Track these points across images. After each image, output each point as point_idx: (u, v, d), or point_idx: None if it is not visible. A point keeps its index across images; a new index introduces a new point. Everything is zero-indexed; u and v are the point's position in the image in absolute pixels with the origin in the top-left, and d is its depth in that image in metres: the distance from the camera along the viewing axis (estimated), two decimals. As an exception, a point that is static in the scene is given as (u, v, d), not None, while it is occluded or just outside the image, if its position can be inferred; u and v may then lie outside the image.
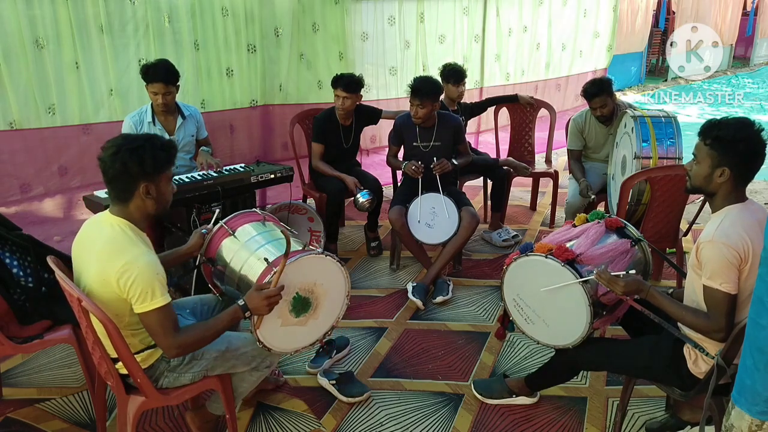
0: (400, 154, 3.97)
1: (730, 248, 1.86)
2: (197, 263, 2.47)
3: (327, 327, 2.37)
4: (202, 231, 2.41)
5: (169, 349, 1.94)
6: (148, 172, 1.92)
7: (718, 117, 2.06)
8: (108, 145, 1.91)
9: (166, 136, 3.54)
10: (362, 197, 3.80)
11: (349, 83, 3.92)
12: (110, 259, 1.88)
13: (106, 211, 2.00)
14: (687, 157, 2.12)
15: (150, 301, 1.87)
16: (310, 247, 2.39)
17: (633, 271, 2.11)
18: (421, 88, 3.61)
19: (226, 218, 2.50)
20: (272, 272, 2.11)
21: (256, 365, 2.26)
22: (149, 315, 1.89)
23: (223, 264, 2.38)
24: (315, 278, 2.25)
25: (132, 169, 1.89)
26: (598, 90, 3.93)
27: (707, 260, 1.91)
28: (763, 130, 1.97)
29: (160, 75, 3.37)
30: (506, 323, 2.54)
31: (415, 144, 3.79)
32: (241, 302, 2.06)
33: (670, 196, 3.24)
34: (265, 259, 2.20)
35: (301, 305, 2.24)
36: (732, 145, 1.94)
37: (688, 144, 2.15)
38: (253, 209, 2.68)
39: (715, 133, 1.97)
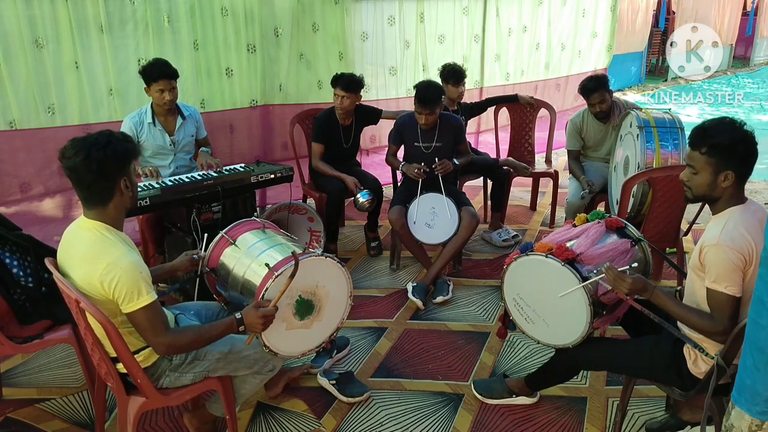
0: (401, 154, 3.97)
1: (735, 251, 1.86)
2: (199, 273, 2.48)
3: (332, 329, 2.38)
4: (194, 256, 2.39)
5: (158, 346, 1.95)
6: (122, 166, 1.91)
7: (698, 123, 2.04)
8: (71, 153, 1.85)
9: (167, 137, 3.55)
10: (362, 197, 3.80)
11: (348, 83, 3.92)
12: (92, 262, 1.88)
13: (81, 217, 1.98)
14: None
15: (137, 300, 1.87)
16: (310, 248, 2.39)
17: (635, 264, 2.11)
18: (429, 98, 3.61)
19: (227, 228, 2.51)
20: (273, 276, 2.12)
21: (259, 369, 2.26)
22: (137, 314, 1.89)
23: (226, 272, 2.40)
24: (317, 280, 2.25)
25: (110, 167, 1.88)
26: (596, 85, 3.94)
27: (712, 263, 1.90)
28: (746, 124, 1.97)
29: (162, 71, 3.38)
30: (507, 322, 2.54)
31: (416, 144, 3.79)
32: (238, 315, 2.07)
33: (670, 196, 3.24)
34: (266, 264, 2.21)
35: (305, 308, 2.25)
36: (731, 148, 1.93)
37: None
38: (252, 218, 2.69)
39: (709, 141, 1.94)
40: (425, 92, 3.63)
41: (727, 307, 1.90)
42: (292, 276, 2.08)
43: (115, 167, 1.89)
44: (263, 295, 2.12)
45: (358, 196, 3.81)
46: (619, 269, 2.08)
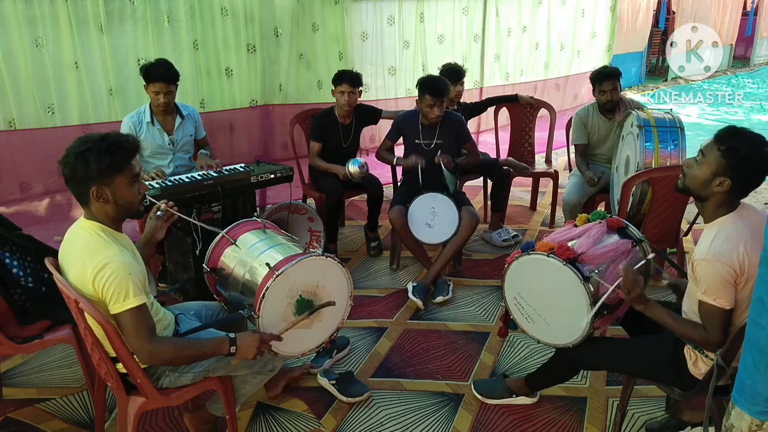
0: (401, 152, 3.97)
1: (725, 265, 1.85)
2: (203, 272, 2.49)
3: (332, 329, 2.38)
4: (158, 213, 2.30)
5: (141, 352, 1.89)
6: (93, 176, 1.88)
7: (739, 125, 2.00)
8: (66, 150, 1.90)
9: (165, 137, 3.55)
10: (352, 166, 3.81)
11: (354, 78, 3.96)
12: (85, 262, 1.87)
13: (82, 217, 1.99)
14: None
15: (123, 302, 1.85)
16: (310, 248, 2.40)
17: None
18: (441, 87, 3.64)
19: (227, 228, 2.52)
20: (274, 276, 2.12)
21: (259, 369, 2.26)
22: (123, 316, 1.86)
23: (227, 272, 2.39)
24: (317, 280, 2.25)
25: (79, 173, 1.87)
26: (611, 72, 3.94)
27: (702, 277, 1.90)
28: None
29: (161, 74, 3.38)
30: (508, 321, 2.54)
31: (417, 141, 3.79)
32: (231, 335, 2.02)
33: (671, 196, 3.24)
34: (267, 264, 2.21)
35: (305, 308, 2.25)
36: (745, 160, 1.90)
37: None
38: (253, 218, 2.69)
39: (734, 142, 1.91)
40: (437, 83, 3.65)
41: (717, 319, 1.90)
42: (310, 313, 2.18)
43: (84, 175, 1.87)
44: (264, 294, 2.12)
45: (349, 166, 3.82)
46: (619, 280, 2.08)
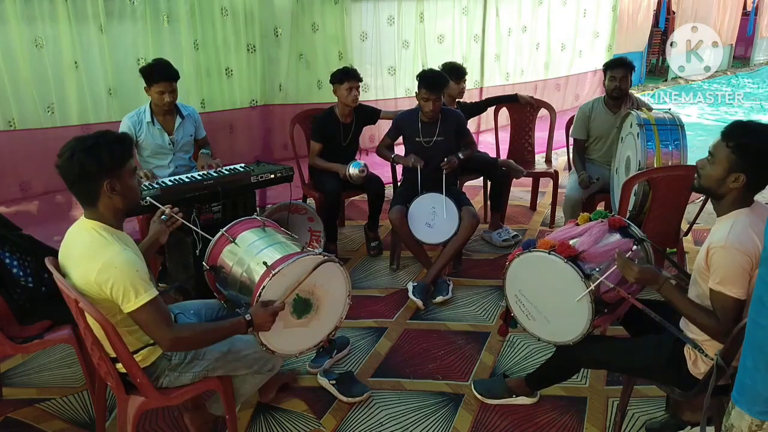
0: (402, 151, 3.97)
1: (744, 254, 1.84)
2: (203, 270, 2.49)
3: (330, 327, 2.38)
4: (162, 218, 2.34)
5: (163, 341, 1.93)
6: (107, 169, 1.89)
7: (744, 119, 1.98)
8: (62, 152, 1.88)
9: (166, 137, 3.55)
10: (353, 168, 3.83)
11: (356, 72, 4.01)
12: (87, 263, 1.87)
13: (82, 217, 1.99)
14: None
15: (135, 299, 1.86)
16: (309, 248, 2.40)
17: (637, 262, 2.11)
18: (437, 81, 3.63)
19: (227, 226, 2.52)
20: (270, 275, 2.12)
21: (258, 368, 2.26)
22: (139, 312, 1.87)
23: (226, 270, 2.39)
24: (314, 279, 2.25)
25: (91, 168, 1.86)
26: (625, 61, 3.98)
27: (719, 266, 1.88)
28: None
29: (164, 74, 3.39)
30: (509, 320, 2.54)
31: (417, 139, 3.78)
32: (247, 317, 2.05)
33: (671, 196, 3.23)
34: (264, 263, 2.20)
35: (303, 307, 2.25)
36: (757, 155, 1.89)
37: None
38: (253, 216, 2.69)
39: (741, 139, 1.90)
40: (431, 77, 3.64)
41: (731, 310, 1.88)
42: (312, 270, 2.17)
43: (97, 169, 1.87)
44: (260, 293, 2.12)
45: (349, 168, 3.83)
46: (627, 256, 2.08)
